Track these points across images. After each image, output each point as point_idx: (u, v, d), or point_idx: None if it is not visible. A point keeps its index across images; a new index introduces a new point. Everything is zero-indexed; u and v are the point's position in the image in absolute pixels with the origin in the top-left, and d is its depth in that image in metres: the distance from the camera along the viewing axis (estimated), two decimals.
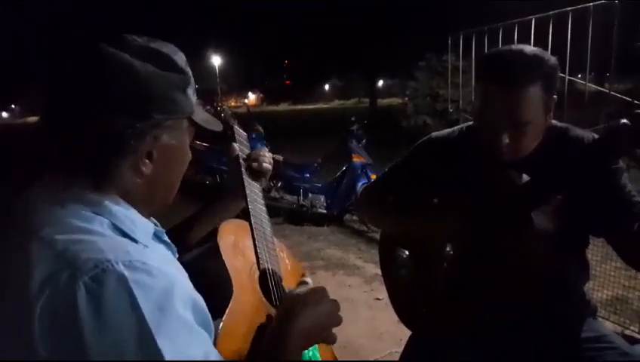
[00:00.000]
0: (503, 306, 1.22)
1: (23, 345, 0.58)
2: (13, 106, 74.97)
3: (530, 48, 1.14)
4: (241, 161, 1.12)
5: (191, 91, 0.78)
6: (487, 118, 1.15)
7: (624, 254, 1.15)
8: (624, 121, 0.97)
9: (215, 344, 0.68)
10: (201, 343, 0.64)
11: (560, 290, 1.23)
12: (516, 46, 1.17)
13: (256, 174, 1.14)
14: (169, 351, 0.58)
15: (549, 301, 1.22)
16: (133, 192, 0.73)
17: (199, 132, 0.84)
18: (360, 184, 5.05)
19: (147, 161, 0.72)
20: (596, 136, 1.19)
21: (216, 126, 0.89)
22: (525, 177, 1.14)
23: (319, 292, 0.85)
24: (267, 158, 1.16)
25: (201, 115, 0.83)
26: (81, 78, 0.68)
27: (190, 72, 0.78)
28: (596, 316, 1.35)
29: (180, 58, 0.77)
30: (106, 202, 0.69)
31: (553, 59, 1.12)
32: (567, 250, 1.22)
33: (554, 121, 1.26)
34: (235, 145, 1.14)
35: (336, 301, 0.86)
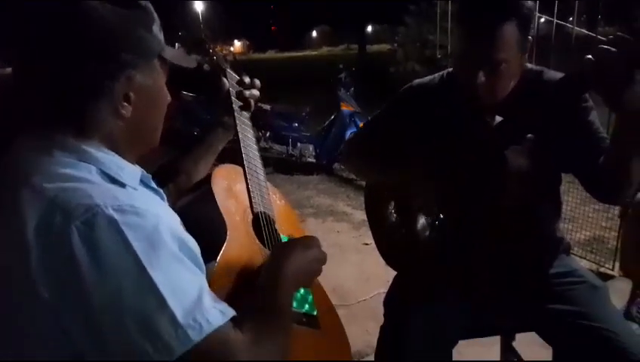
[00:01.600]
0: (479, 244, 1.29)
1: (24, 289, 0.60)
2: None
3: None
4: (232, 98, 1.13)
5: (157, 28, 0.77)
6: (464, 57, 1.18)
7: (589, 187, 1.21)
8: (588, 56, 1.00)
9: (209, 284, 0.69)
10: (195, 277, 0.67)
11: (533, 227, 1.29)
12: None
13: (247, 101, 1.15)
14: (163, 282, 0.61)
15: (522, 237, 1.28)
16: (116, 137, 0.73)
17: (186, 81, 0.84)
18: (349, 132, 5.05)
19: (125, 103, 0.73)
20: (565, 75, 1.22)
21: (188, 62, 0.89)
22: (499, 118, 1.19)
23: (310, 239, 0.90)
24: (256, 83, 1.18)
25: (172, 53, 0.83)
26: (44, 27, 0.68)
27: (152, 9, 0.77)
28: (569, 253, 1.41)
29: None
30: (91, 149, 0.70)
31: (529, 2, 1.15)
32: (540, 188, 1.27)
33: (529, 65, 1.28)
34: (225, 80, 1.15)
35: (324, 252, 0.91)
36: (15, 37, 0.70)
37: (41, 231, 0.60)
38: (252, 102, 1.16)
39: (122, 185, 0.70)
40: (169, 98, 0.84)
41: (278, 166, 5.43)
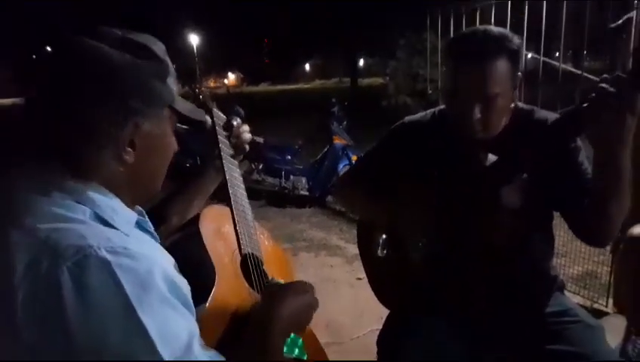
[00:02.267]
0: (473, 282, 1.28)
1: (8, 333, 0.58)
2: None
3: (495, 27, 1.23)
4: (220, 144, 1.13)
5: (171, 80, 0.79)
6: (458, 94, 1.19)
7: (575, 228, 1.21)
8: (584, 105, 1.01)
9: (199, 328, 0.69)
10: (186, 322, 0.66)
11: (526, 265, 1.29)
12: (481, 26, 1.26)
13: (238, 149, 1.17)
14: (153, 326, 0.60)
15: (517, 276, 1.27)
16: (117, 181, 0.73)
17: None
18: (341, 166, 5.09)
19: (129, 149, 0.73)
20: (558, 116, 1.24)
21: (200, 115, 0.91)
22: (492, 157, 1.19)
23: (302, 284, 0.89)
24: (246, 129, 1.19)
25: (184, 105, 0.84)
26: (60, 69, 0.70)
27: (169, 61, 0.79)
28: (563, 291, 1.40)
29: (159, 48, 0.78)
30: (89, 191, 0.69)
31: (517, 38, 1.18)
32: (533, 226, 1.28)
33: (520, 104, 1.31)
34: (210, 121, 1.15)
35: (316, 298, 0.90)
36: (30, 74, 0.72)
37: (29, 273, 0.59)
38: (246, 146, 1.18)
39: (115, 229, 0.69)
40: (175, 146, 0.84)
41: (270, 199, 5.41)
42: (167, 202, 1.12)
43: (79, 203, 0.68)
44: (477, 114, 1.15)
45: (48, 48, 0.73)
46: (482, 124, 1.17)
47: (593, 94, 0.99)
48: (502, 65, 1.13)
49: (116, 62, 0.70)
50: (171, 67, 0.79)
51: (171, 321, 0.63)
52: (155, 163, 0.80)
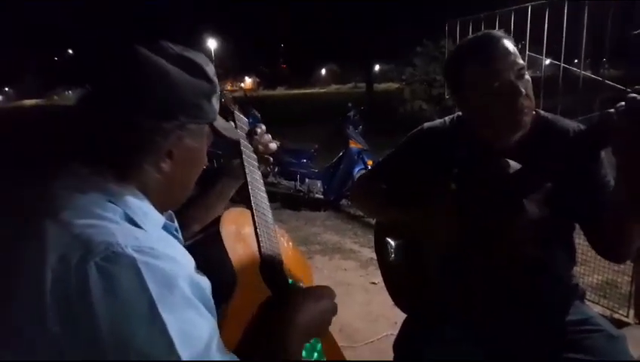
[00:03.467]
0: (493, 291, 1.26)
1: (36, 321, 0.60)
2: (7, 89, 74.15)
3: (494, 31, 1.27)
4: (241, 147, 1.13)
5: (215, 100, 0.84)
6: (498, 94, 1.19)
7: (593, 241, 1.20)
8: (611, 115, 0.97)
9: (220, 329, 0.69)
10: (207, 323, 0.67)
11: (548, 274, 1.27)
12: (480, 32, 1.32)
13: (262, 157, 1.19)
14: (174, 326, 0.61)
15: (538, 284, 1.26)
16: (151, 187, 0.77)
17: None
18: (356, 170, 5.08)
19: (168, 159, 0.77)
20: (581, 126, 1.24)
21: (234, 134, 0.96)
22: (515, 165, 1.18)
23: (323, 289, 0.89)
24: (269, 137, 1.22)
25: (222, 123, 0.90)
26: (120, 77, 0.75)
27: (217, 82, 0.84)
28: (584, 299, 1.38)
29: (210, 69, 0.83)
30: (125, 194, 0.72)
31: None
32: (555, 235, 1.26)
33: (541, 111, 1.31)
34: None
35: (335, 304, 0.89)
36: (91, 79, 0.77)
37: (60, 265, 0.61)
38: (269, 157, 1.22)
39: (143, 230, 0.71)
40: (207, 162, 0.89)
41: (285, 201, 5.44)
42: (187, 208, 1.13)
43: (112, 203, 0.70)
44: (521, 106, 1.18)
45: (103, 54, 0.77)
46: (519, 123, 1.20)
47: (622, 104, 0.95)
48: (519, 57, 1.20)
49: (173, 77, 0.75)
50: (218, 87, 0.84)
51: (192, 322, 0.64)
52: (188, 174, 0.85)
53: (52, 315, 0.59)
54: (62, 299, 0.60)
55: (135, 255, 0.62)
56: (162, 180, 0.78)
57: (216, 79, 0.83)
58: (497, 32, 1.25)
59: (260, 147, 1.19)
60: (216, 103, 0.84)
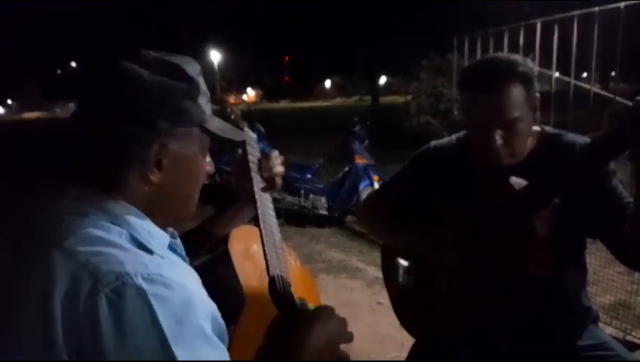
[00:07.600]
0: (504, 313, 1.23)
1: (43, 349, 0.59)
2: (9, 102, 74.92)
3: (504, 54, 1.29)
4: (250, 165, 1.11)
5: (203, 100, 0.78)
6: (477, 123, 1.20)
7: (618, 254, 1.16)
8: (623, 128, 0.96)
9: (228, 351, 0.69)
10: (218, 353, 0.66)
11: (559, 295, 1.25)
12: (490, 55, 1.35)
13: (271, 182, 1.15)
14: (184, 359, 0.60)
15: (549, 307, 1.23)
16: (143, 201, 0.73)
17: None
18: (362, 185, 5.03)
19: (156, 169, 0.73)
20: (588, 140, 1.21)
21: (234, 135, 0.89)
22: (522, 182, 1.16)
23: (327, 311, 0.86)
24: (279, 161, 1.18)
25: (217, 124, 0.83)
26: (96, 89, 0.73)
27: (201, 81, 0.79)
28: (597, 323, 1.35)
29: (193, 68, 0.78)
30: (126, 214, 0.70)
31: (528, 62, 1.20)
32: (566, 254, 1.23)
33: (548, 128, 1.30)
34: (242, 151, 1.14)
35: (343, 319, 0.87)
36: (75, 91, 0.75)
37: (69, 296, 0.60)
38: (279, 181, 1.17)
39: (150, 252, 0.69)
40: (209, 168, 0.84)
41: (289, 218, 5.35)
42: (198, 233, 1.12)
43: (115, 224, 0.68)
44: (497, 140, 1.16)
45: (86, 68, 0.77)
46: (505, 149, 1.17)
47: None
48: (513, 90, 1.14)
49: (145, 82, 0.71)
50: (203, 87, 0.79)
51: (203, 355, 0.63)
52: (184, 183, 0.80)
53: (60, 346, 0.59)
54: (71, 331, 0.59)
55: (145, 286, 0.61)
56: (156, 193, 0.74)
57: (200, 78, 0.78)
58: (508, 58, 1.20)
59: (265, 173, 1.15)
60: (205, 104, 0.79)
